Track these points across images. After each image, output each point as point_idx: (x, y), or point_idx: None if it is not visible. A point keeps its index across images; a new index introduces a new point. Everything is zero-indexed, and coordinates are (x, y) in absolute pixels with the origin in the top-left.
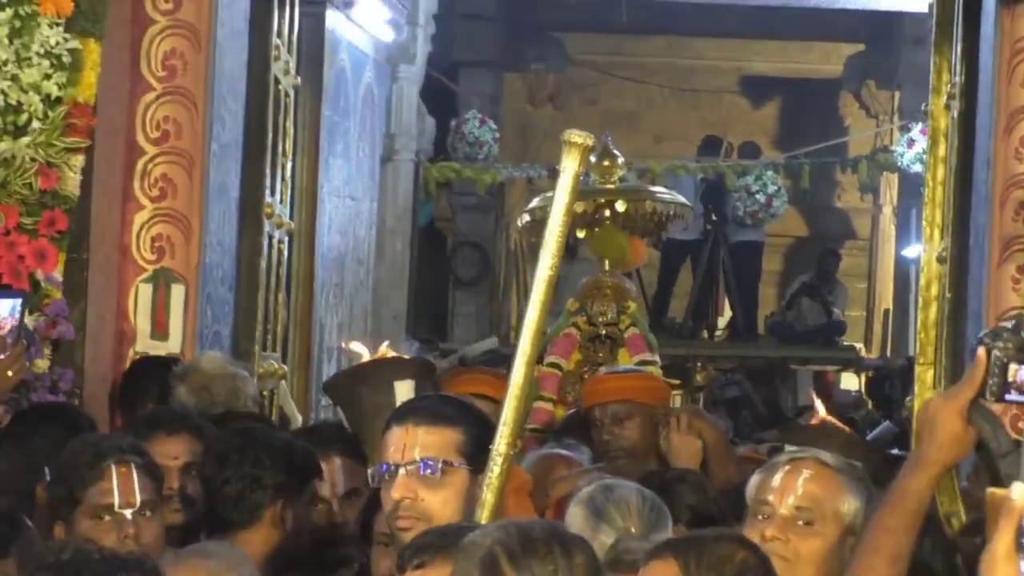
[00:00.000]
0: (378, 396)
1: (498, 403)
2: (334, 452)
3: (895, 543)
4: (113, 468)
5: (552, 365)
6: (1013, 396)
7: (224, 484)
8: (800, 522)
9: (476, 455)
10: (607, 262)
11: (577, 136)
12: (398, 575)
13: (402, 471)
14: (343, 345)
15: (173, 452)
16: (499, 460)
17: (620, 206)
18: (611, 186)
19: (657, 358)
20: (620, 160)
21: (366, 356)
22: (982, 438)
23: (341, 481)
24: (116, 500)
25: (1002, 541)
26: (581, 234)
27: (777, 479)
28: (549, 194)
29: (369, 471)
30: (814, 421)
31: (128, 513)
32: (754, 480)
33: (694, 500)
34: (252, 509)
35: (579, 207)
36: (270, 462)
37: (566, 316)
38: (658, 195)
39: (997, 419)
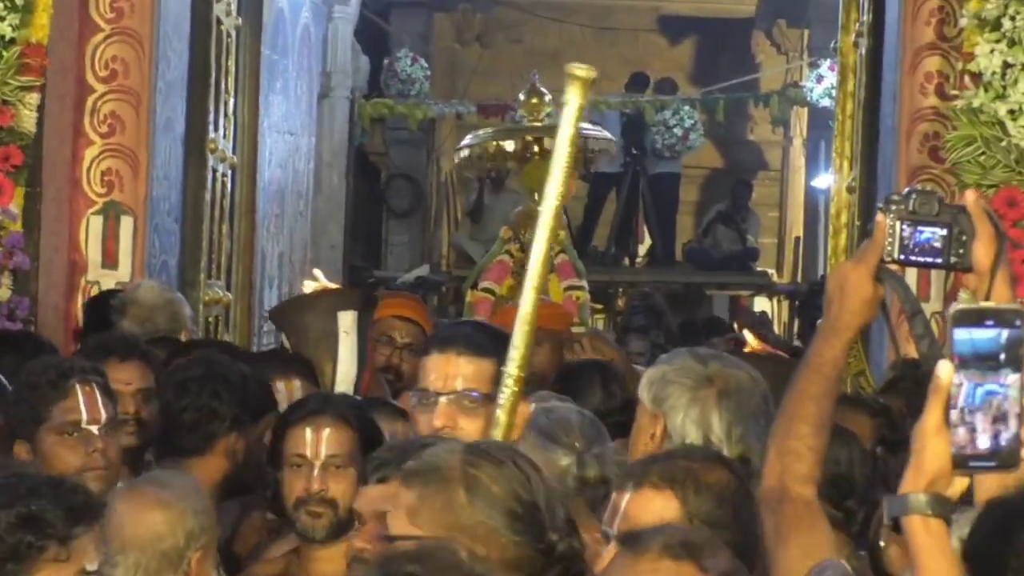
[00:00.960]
0: (322, 324)
1: (417, 324)
2: (293, 373)
3: (818, 409)
4: (78, 387)
5: (486, 290)
6: (912, 257)
7: (182, 412)
8: None
9: None
10: (537, 195)
11: (579, 69)
12: (360, 487)
13: (443, 399)
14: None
15: (126, 378)
16: (510, 382)
17: (549, 142)
18: (539, 123)
19: (584, 283)
20: (547, 98)
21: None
22: (895, 297)
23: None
24: (83, 416)
25: (931, 416)
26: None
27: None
28: (481, 132)
29: (411, 395)
30: (746, 349)
31: (95, 429)
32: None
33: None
34: (206, 438)
35: (509, 144)
36: (227, 394)
37: (499, 244)
38: (586, 131)
39: (904, 281)
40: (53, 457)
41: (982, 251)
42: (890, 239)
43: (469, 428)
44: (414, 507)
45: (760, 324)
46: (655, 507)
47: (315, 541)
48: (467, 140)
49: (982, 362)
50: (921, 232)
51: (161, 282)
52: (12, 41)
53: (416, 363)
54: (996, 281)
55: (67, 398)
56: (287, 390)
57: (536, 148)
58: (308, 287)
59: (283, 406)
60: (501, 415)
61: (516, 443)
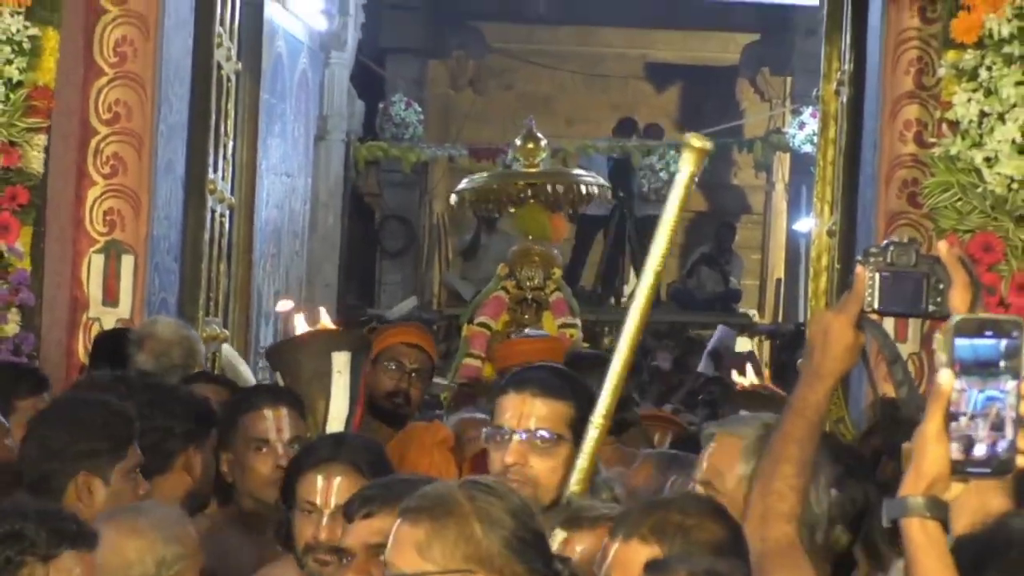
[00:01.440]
0: (316, 364)
1: (424, 351)
2: (282, 403)
3: (800, 452)
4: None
5: (482, 325)
6: (891, 307)
7: (140, 436)
8: (709, 493)
9: (580, 428)
10: (530, 237)
11: (697, 140)
12: (346, 523)
13: (516, 437)
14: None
15: None
16: (594, 432)
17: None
18: (534, 168)
19: (578, 321)
20: (543, 143)
21: (296, 317)
22: (877, 346)
23: (287, 427)
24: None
25: (932, 423)
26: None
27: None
28: (476, 176)
29: (484, 430)
30: (739, 388)
31: None
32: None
33: None
34: (165, 457)
35: (507, 189)
36: (180, 411)
37: (496, 280)
38: (581, 178)
39: (883, 329)
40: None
41: (958, 299)
42: (869, 290)
43: (539, 467)
44: (424, 542)
45: (745, 361)
46: (640, 559)
47: None
48: (463, 184)
49: (983, 368)
50: (900, 283)
51: (178, 319)
52: (19, 84)
53: (423, 388)
54: None
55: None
56: (274, 417)
57: (529, 192)
58: (299, 324)
59: (269, 433)
60: (582, 461)
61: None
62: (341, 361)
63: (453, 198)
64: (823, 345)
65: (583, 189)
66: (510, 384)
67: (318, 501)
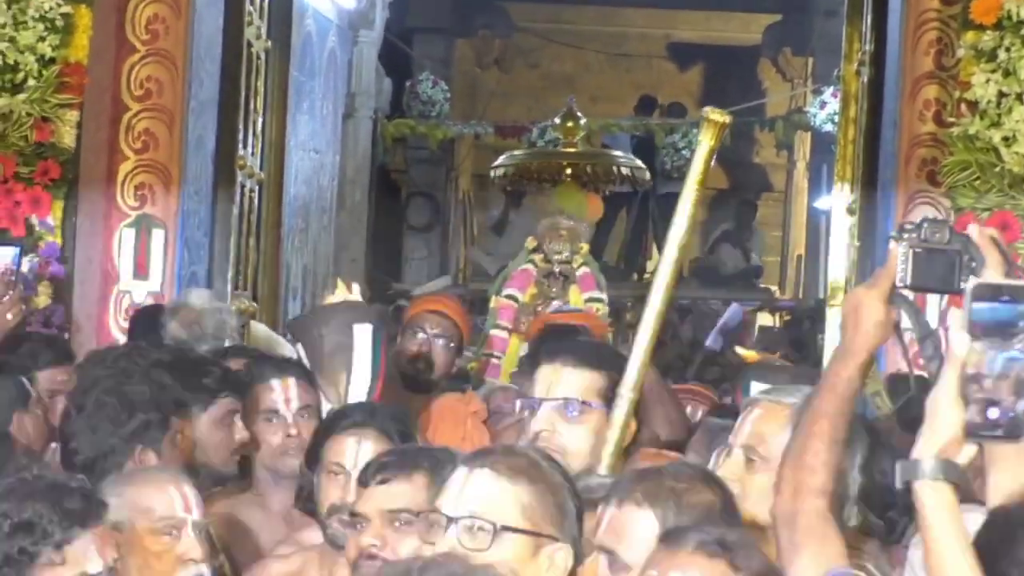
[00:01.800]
0: (337, 337)
1: (449, 318)
2: (288, 373)
3: (832, 427)
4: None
5: (509, 297)
6: (923, 283)
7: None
8: (750, 460)
9: (614, 398)
10: (565, 214)
11: (715, 114)
12: (360, 489)
13: (545, 405)
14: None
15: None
16: (622, 403)
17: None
18: (573, 148)
19: (604, 296)
20: (583, 121)
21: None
22: (906, 321)
23: (295, 397)
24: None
25: (947, 384)
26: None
27: (739, 419)
28: (516, 152)
29: (518, 400)
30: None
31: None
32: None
33: None
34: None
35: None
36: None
37: (524, 253)
38: (619, 159)
39: (915, 305)
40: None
41: (990, 278)
42: (902, 266)
43: (568, 434)
44: (527, 503)
45: (736, 330)
46: (635, 524)
47: (342, 548)
48: (503, 158)
49: (1004, 329)
50: (933, 259)
51: (211, 291)
52: (52, 60)
53: (449, 356)
54: None
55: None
56: (282, 387)
57: (568, 170)
58: (329, 299)
59: (278, 404)
60: (612, 432)
61: None
62: (362, 333)
63: (492, 173)
64: (855, 321)
65: (622, 171)
66: (543, 356)
67: (347, 463)
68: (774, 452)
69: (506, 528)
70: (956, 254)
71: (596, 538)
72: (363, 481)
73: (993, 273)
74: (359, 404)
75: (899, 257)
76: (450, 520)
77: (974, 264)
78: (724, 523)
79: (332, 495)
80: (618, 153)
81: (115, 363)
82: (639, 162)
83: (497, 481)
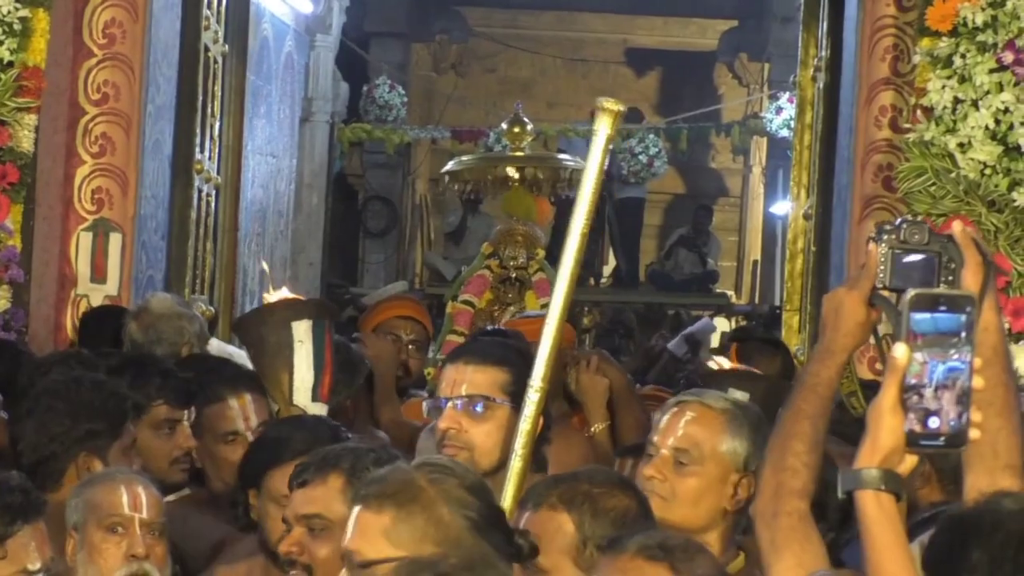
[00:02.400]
0: (277, 336)
1: (419, 322)
2: (243, 388)
3: (812, 428)
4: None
5: (465, 302)
6: (900, 284)
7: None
8: (679, 462)
9: (520, 392)
10: (516, 219)
11: (609, 103)
12: (288, 493)
13: (450, 404)
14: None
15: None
16: (534, 394)
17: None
18: (520, 152)
19: None
20: (529, 127)
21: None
22: (887, 321)
23: (253, 414)
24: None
25: (887, 395)
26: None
27: (664, 420)
28: (464, 158)
29: (424, 404)
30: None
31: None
32: (654, 419)
33: None
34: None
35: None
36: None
37: (480, 259)
38: (565, 162)
39: (895, 306)
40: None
41: (970, 278)
42: (882, 267)
43: (474, 431)
44: (391, 528)
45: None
46: (550, 528)
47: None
48: (451, 165)
49: (945, 339)
50: (912, 260)
51: (178, 297)
52: (10, 64)
53: (421, 359)
54: (984, 307)
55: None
56: (239, 406)
57: (516, 175)
58: (268, 298)
59: (237, 423)
60: (524, 424)
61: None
62: (302, 330)
63: (444, 179)
64: (835, 321)
65: (566, 175)
66: (447, 358)
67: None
68: (706, 455)
69: (369, 562)
70: (935, 255)
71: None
72: (290, 487)
73: (973, 274)
74: (300, 425)
75: (878, 258)
76: (343, 557)
77: (953, 265)
78: (640, 527)
79: (279, 528)
80: (565, 156)
81: (64, 367)
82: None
83: (364, 515)
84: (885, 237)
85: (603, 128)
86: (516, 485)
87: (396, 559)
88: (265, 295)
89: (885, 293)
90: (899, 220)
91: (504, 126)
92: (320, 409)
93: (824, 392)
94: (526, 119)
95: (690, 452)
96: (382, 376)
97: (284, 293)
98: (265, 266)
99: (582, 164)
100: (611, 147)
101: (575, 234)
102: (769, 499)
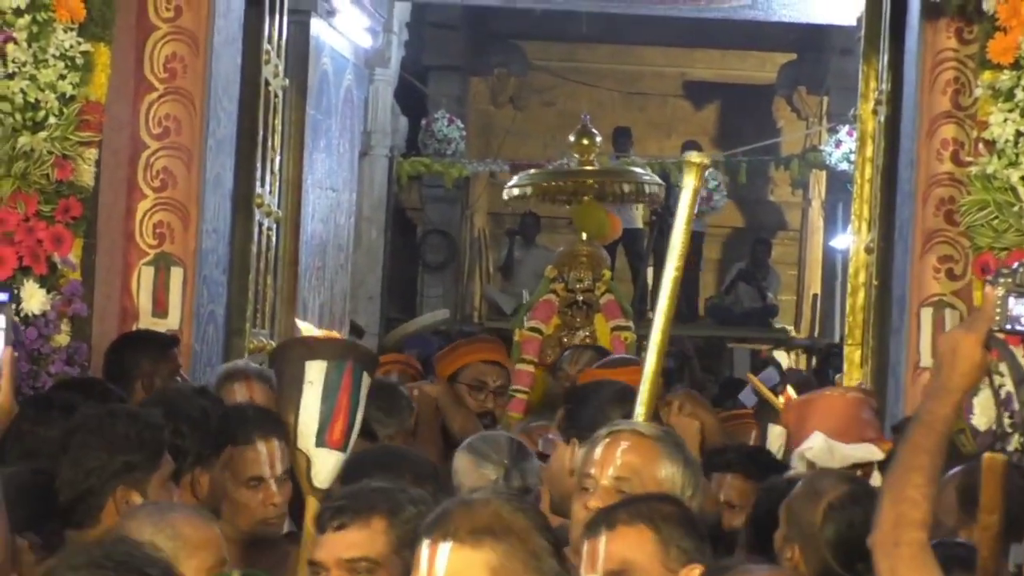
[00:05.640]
0: (291, 373)
1: (504, 367)
2: (273, 434)
3: (931, 462)
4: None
5: (533, 329)
6: (1016, 327)
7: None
8: (621, 492)
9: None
10: (584, 235)
11: (696, 157)
12: (318, 535)
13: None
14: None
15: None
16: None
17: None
18: (590, 166)
19: (631, 324)
20: (598, 139)
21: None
22: (1002, 365)
23: (279, 461)
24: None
25: None
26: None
27: (598, 452)
28: (531, 171)
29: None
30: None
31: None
32: (579, 453)
33: None
34: (172, 476)
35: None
36: (189, 430)
37: (544, 283)
38: (643, 175)
39: (1010, 349)
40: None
41: None
42: (999, 310)
43: None
44: (499, 566)
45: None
46: (632, 542)
47: None
48: (515, 180)
49: None
50: None
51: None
52: (72, 99)
53: (504, 406)
54: None
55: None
56: (268, 452)
57: (591, 187)
58: (303, 328)
59: (264, 469)
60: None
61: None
62: (314, 371)
63: (506, 193)
64: (952, 362)
65: (645, 188)
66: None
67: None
68: (647, 483)
69: None
70: None
71: (597, 569)
72: (320, 527)
73: None
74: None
75: (995, 301)
76: None
77: None
78: (703, 531)
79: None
80: (638, 169)
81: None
82: (656, 178)
83: (462, 551)
84: (1002, 280)
85: (690, 181)
86: None
87: None
88: (301, 325)
89: (1000, 336)
90: (1016, 264)
91: (571, 138)
92: (328, 455)
93: (941, 428)
94: (595, 131)
95: (631, 481)
96: (426, 423)
97: (310, 327)
98: (300, 325)
99: (655, 179)
100: (667, 177)
101: (668, 280)
102: (890, 530)
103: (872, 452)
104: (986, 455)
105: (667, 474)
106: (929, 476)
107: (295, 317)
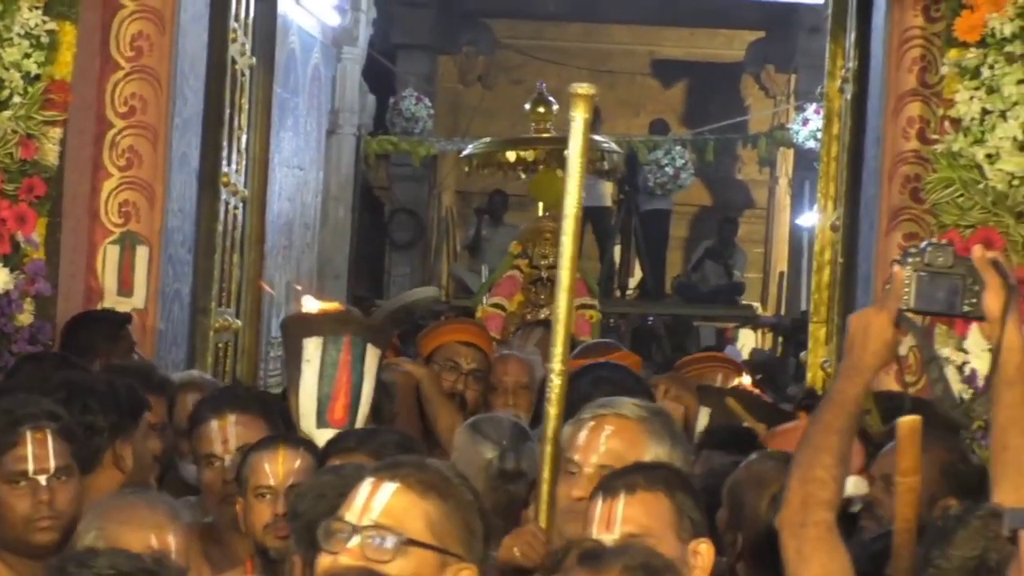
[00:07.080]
0: (292, 352)
1: (481, 350)
2: (226, 410)
3: (839, 443)
4: (28, 434)
5: (495, 306)
6: (927, 307)
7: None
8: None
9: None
10: (543, 204)
11: (581, 88)
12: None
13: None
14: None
15: None
16: (555, 379)
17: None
18: (546, 133)
19: (596, 303)
20: (555, 107)
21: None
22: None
23: (232, 437)
24: (30, 467)
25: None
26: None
27: (582, 437)
28: (484, 139)
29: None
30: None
31: (42, 479)
32: (564, 434)
33: None
34: (93, 455)
35: (528, 155)
36: (98, 406)
37: (508, 259)
38: (598, 142)
39: (920, 328)
40: (3, 506)
41: (992, 300)
42: (907, 289)
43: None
44: (436, 522)
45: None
46: (651, 509)
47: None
48: (470, 148)
49: None
50: (936, 283)
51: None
52: (37, 77)
53: (479, 391)
54: (1007, 327)
55: (16, 446)
56: (219, 428)
57: (542, 158)
58: (306, 304)
59: (216, 446)
60: (551, 408)
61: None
62: (311, 348)
63: (465, 165)
64: (863, 341)
65: (604, 156)
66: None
67: (271, 482)
68: None
69: (412, 542)
70: (959, 278)
71: (615, 531)
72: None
73: (993, 296)
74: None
75: (903, 281)
76: (354, 529)
77: (977, 287)
78: (701, 499)
79: (264, 516)
80: (598, 137)
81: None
82: (613, 145)
83: (406, 494)
84: (910, 260)
85: (579, 113)
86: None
87: (435, 550)
88: (304, 299)
89: (910, 315)
90: (924, 243)
91: (527, 107)
92: (329, 435)
93: (851, 408)
94: (551, 98)
95: (615, 467)
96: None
97: (310, 301)
98: (297, 286)
99: (613, 145)
100: (635, 156)
101: (568, 217)
102: (797, 509)
103: (859, 485)
104: (902, 419)
105: (653, 456)
106: (838, 456)
107: (296, 293)
